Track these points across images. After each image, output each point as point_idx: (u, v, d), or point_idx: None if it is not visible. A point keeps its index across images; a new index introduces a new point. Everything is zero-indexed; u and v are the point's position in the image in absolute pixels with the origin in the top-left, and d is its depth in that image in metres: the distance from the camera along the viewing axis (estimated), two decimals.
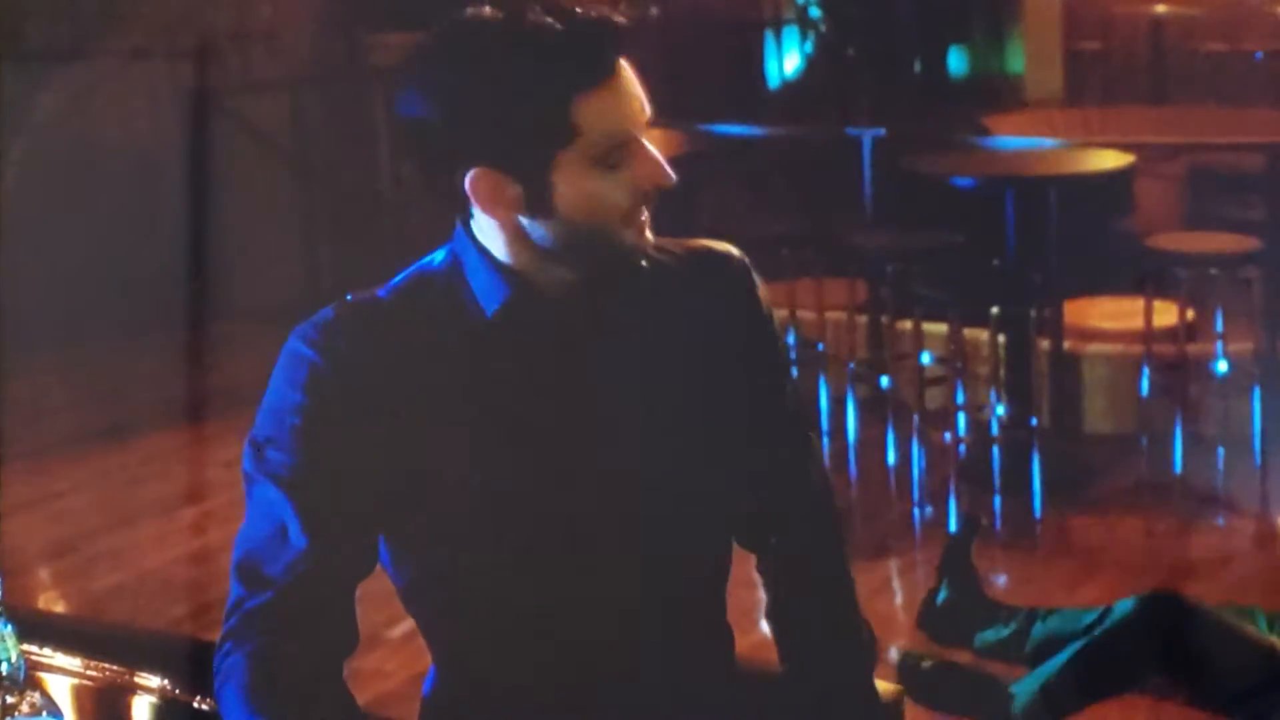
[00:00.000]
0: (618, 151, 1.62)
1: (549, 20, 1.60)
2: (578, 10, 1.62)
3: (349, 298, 1.69)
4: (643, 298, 1.72)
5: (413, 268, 1.72)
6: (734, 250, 1.81)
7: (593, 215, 1.63)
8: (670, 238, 1.78)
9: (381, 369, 1.64)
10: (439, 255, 1.71)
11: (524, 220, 1.63)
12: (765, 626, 1.87)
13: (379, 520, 1.67)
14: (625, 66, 1.63)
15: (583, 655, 1.72)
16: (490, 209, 1.63)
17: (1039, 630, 3.41)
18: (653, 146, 1.65)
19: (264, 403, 1.66)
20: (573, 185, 1.61)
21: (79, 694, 1.89)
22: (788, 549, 1.87)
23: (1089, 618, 3.24)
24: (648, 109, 1.65)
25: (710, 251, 1.80)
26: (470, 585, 1.69)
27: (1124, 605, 3.19)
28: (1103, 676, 3.15)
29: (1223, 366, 4.47)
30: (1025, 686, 3.20)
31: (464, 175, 1.62)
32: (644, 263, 1.70)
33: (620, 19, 1.63)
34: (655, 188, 1.65)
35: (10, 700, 1.55)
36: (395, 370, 1.64)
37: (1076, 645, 3.16)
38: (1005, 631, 3.49)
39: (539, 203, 1.62)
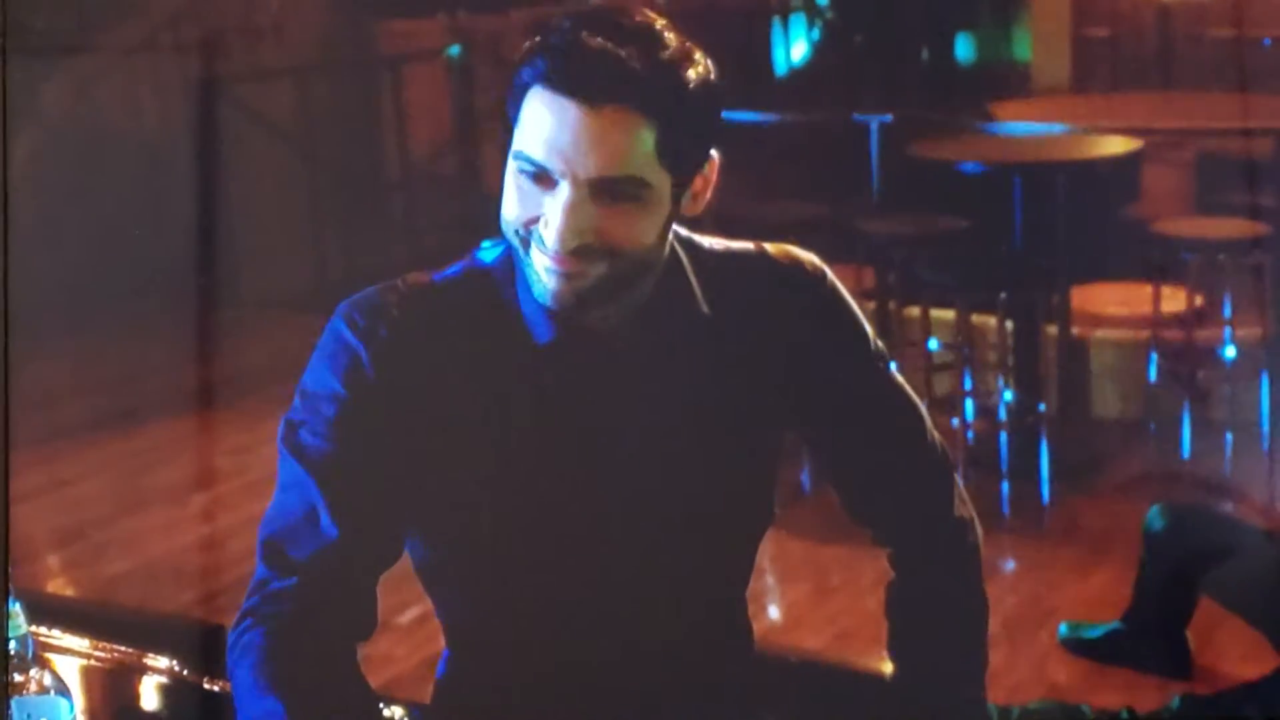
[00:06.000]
0: (534, 168, 1.52)
1: (604, 19, 1.53)
2: (629, 33, 1.53)
3: (400, 282, 1.65)
4: (695, 331, 1.65)
5: (465, 262, 1.67)
6: (803, 259, 1.72)
7: (506, 210, 1.57)
8: (740, 241, 1.71)
9: (423, 367, 1.61)
10: (492, 252, 1.66)
11: None
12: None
13: (409, 514, 1.66)
14: (616, 116, 1.50)
15: (599, 645, 1.72)
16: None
17: None
18: (567, 208, 1.51)
19: (303, 381, 1.64)
20: (508, 167, 1.56)
21: (88, 674, 1.90)
22: (914, 557, 1.84)
23: None
24: (597, 167, 1.50)
25: (776, 265, 1.71)
26: (490, 572, 1.69)
27: (1154, 521, 3.24)
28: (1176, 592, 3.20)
29: (1231, 352, 4.47)
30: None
31: None
32: (703, 309, 1.63)
33: (654, 79, 1.51)
34: (545, 239, 1.53)
35: (18, 679, 1.56)
36: (437, 371, 1.62)
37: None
38: None
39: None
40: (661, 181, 1.55)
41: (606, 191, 1.52)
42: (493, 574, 1.69)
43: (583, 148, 1.50)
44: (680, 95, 1.53)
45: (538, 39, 1.55)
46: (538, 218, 1.54)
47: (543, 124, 1.51)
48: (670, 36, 1.56)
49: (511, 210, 1.56)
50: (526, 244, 1.56)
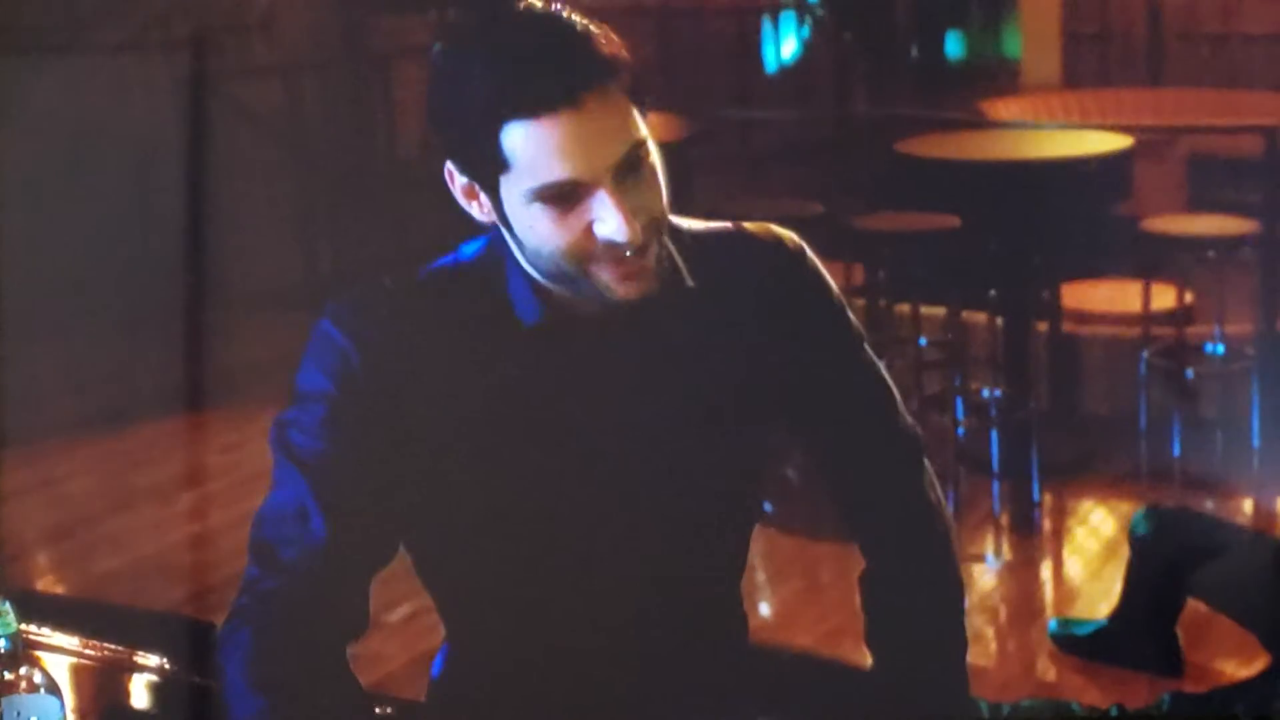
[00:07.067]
0: (562, 189, 1.51)
1: (520, 30, 1.51)
2: (554, 28, 1.51)
3: (387, 280, 1.65)
4: (680, 305, 1.64)
5: (450, 257, 1.67)
6: (783, 235, 1.73)
7: (544, 246, 1.55)
8: (718, 222, 1.72)
9: (413, 362, 1.61)
10: (475, 245, 1.66)
11: (504, 231, 1.59)
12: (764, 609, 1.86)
13: (402, 512, 1.65)
14: (597, 100, 1.50)
15: (598, 638, 1.72)
16: (468, 207, 1.60)
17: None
18: (616, 200, 1.51)
19: (294, 380, 1.63)
20: (517, 212, 1.55)
21: (78, 673, 1.90)
22: (886, 543, 1.82)
23: None
24: (612, 152, 1.50)
25: (756, 241, 1.72)
26: (485, 565, 1.69)
27: (1139, 526, 3.26)
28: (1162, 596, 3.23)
29: (1221, 349, 4.48)
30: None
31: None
32: (687, 282, 1.63)
33: (602, 48, 1.51)
34: (606, 242, 1.52)
35: (8, 677, 1.55)
36: (427, 365, 1.61)
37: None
38: None
39: (502, 218, 1.57)
40: (647, 130, 1.56)
41: (628, 168, 1.53)
42: (487, 567, 1.68)
43: (593, 142, 1.50)
44: (613, 41, 1.54)
45: (471, 80, 1.51)
46: (586, 229, 1.53)
47: (543, 149, 1.50)
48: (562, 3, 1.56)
49: (553, 239, 1.54)
50: (578, 271, 1.55)
